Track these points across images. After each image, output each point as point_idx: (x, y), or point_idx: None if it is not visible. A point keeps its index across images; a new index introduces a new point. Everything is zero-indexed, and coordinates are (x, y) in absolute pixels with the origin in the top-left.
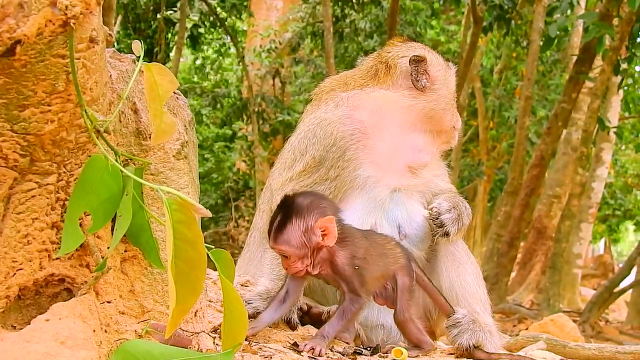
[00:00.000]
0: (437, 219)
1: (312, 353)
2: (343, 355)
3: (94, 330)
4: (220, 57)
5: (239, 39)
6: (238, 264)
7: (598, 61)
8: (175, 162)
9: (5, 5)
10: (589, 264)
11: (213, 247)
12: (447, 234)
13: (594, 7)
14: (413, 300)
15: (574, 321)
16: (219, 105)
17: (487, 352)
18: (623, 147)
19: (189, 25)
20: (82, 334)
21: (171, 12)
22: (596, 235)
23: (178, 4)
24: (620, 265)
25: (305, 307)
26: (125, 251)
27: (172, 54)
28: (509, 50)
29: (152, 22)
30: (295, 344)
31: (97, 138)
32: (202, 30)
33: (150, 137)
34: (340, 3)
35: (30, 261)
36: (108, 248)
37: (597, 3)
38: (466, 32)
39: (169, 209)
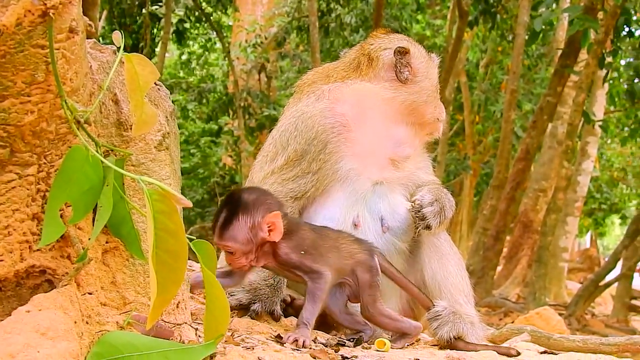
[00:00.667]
0: (419, 211)
1: (296, 344)
2: (326, 346)
3: (75, 322)
4: (206, 52)
5: (225, 34)
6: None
7: (583, 55)
8: (156, 153)
9: None
10: (575, 257)
11: (195, 238)
12: (428, 227)
13: (579, 1)
14: (378, 294)
15: (560, 314)
16: (204, 100)
17: (469, 343)
18: (609, 141)
19: (174, 20)
20: (63, 325)
21: (156, 7)
22: (582, 229)
23: None
24: (606, 258)
25: (289, 299)
26: (107, 242)
27: (157, 49)
28: (494, 45)
29: (137, 17)
30: (279, 337)
31: (78, 129)
32: (187, 25)
33: (131, 128)
34: None
35: (11, 252)
36: (89, 239)
37: None
38: (452, 26)
39: (150, 200)
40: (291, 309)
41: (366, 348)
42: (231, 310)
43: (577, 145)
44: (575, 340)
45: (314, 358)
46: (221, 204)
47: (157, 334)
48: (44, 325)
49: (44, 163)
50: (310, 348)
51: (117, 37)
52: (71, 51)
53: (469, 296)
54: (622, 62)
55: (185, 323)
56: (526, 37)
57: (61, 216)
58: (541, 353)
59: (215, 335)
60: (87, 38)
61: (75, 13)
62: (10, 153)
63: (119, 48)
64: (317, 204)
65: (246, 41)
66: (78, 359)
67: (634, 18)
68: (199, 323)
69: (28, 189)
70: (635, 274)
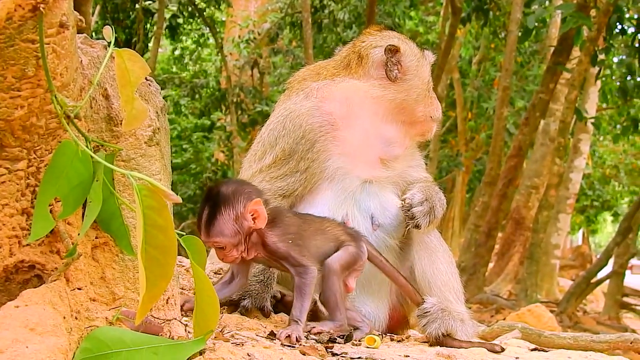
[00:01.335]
0: (409, 210)
1: (289, 340)
2: (318, 342)
3: (64, 317)
4: (199, 48)
5: (218, 30)
6: (209, 255)
7: (576, 52)
8: (146, 149)
9: None
10: (567, 254)
11: (184, 233)
12: (418, 227)
13: None
14: (354, 273)
15: (552, 312)
16: (197, 96)
17: (459, 340)
18: (601, 138)
19: (167, 15)
20: (52, 320)
21: (149, 2)
22: (574, 226)
23: None
24: (598, 256)
25: (279, 295)
26: (96, 238)
27: (150, 44)
28: (487, 42)
29: (130, 13)
30: (272, 333)
31: (68, 124)
32: (180, 20)
33: (121, 124)
34: None
35: (0, 247)
36: (78, 234)
37: None
38: (444, 23)
39: (140, 195)
40: (281, 305)
41: (356, 345)
42: (221, 306)
43: (569, 142)
44: (566, 337)
45: (304, 354)
46: (202, 201)
47: (147, 330)
48: (32, 321)
49: (34, 158)
50: (300, 344)
51: (108, 32)
52: (61, 46)
53: (458, 293)
54: (615, 60)
55: (175, 319)
56: (519, 34)
57: (51, 211)
58: (532, 350)
59: (205, 331)
60: (78, 33)
61: (65, 7)
62: None
63: (109, 43)
64: (306, 203)
65: (239, 37)
66: (67, 354)
67: (627, 16)
68: (188, 318)
69: (17, 184)
70: (627, 272)
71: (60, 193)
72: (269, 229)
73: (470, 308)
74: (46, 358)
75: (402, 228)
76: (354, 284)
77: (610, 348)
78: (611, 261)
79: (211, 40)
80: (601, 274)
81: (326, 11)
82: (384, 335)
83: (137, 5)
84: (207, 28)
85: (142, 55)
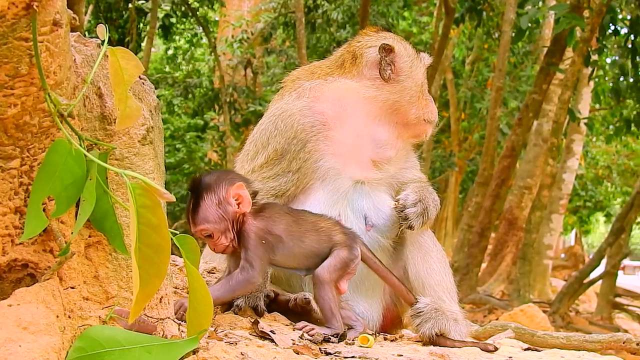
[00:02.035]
0: (403, 211)
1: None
2: (312, 342)
3: (57, 316)
4: (192, 47)
5: (211, 29)
6: (203, 254)
7: (569, 53)
8: (140, 148)
9: None
10: (559, 255)
11: (178, 232)
12: (411, 227)
13: None
14: (346, 277)
15: (544, 312)
16: (190, 96)
17: (452, 340)
18: (594, 139)
19: (160, 15)
20: (45, 319)
21: (143, 1)
22: (567, 226)
23: None
24: (591, 256)
25: (273, 295)
26: (90, 236)
27: (143, 44)
28: (480, 42)
29: (123, 12)
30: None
31: (61, 122)
32: (173, 20)
33: (115, 122)
34: None
35: None
36: (72, 233)
37: None
38: (438, 23)
39: (133, 194)
40: (274, 304)
41: (350, 344)
42: (215, 306)
43: (562, 142)
44: (559, 337)
45: (298, 354)
46: (187, 193)
47: (140, 329)
48: (25, 320)
49: (27, 156)
50: (294, 343)
51: (102, 30)
52: (55, 44)
53: (452, 293)
54: (608, 60)
55: (168, 318)
56: (512, 35)
57: (44, 210)
58: (525, 350)
59: (199, 330)
60: (71, 31)
61: (59, 6)
62: None
63: (103, 41)
64: (299, 203)
65: (232, 36)
66: (60, 353)
67: (620, 16)
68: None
69: (11, 182)
70: (620, 272)
71: (54, 191)
72: (253, 218)
73: (463, 308)
74: (39, 357)
75: (396, 228)
76: (346, 286)
77: (603, 348)
78: (604, 261)
79: (204, 40)
80: (594, 274)
81: (320, 11)
82: (377, 335)
83: (130, 5)
84: (200, 28)
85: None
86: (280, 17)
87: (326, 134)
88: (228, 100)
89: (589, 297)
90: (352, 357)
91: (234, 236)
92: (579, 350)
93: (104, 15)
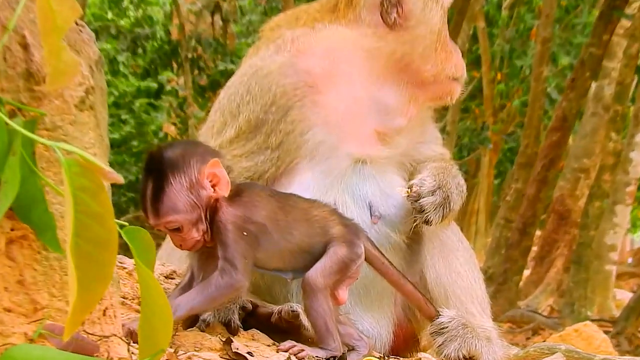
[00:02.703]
0: (417, 201)
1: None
2: None
3: None
4: None
5: None
6: (159, 254)
7: None
8: (77, 114)
9: None
10: (626, 258)
11: (127, 224)
12: (428, 222)
13: None
14: (346, 282)
15: (606, 332)
16: (140, 50)
17: None
18: None
19: None
20: None
21: None
22: (636, 221)
23: None
24: None
25: (250, 307)
26: (12, 230)
27: None
28: None
29: None
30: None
31: None
32: None
33: (44, 81)
34: None
35: None
36: None
37: None
38: None
39: (69, 174)
40: (252, 319)
41: None
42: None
43: (629, 110)
44: None
45: None
46: (143, 174)
47: (78, 349)
48: None
49: None
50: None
51: None
52: None
53: (483, 304)
54: None
55: (115, 335)
56: None
57: None
58: None
59: (154, 351)
60: None
61: None
62: None
63: None
64: (281, 187)
65: None
66: None
67: None
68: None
69: None
70: None
71: None
72: (228, 203)
73: (499, 327)
74: None
75: (410, 221)
76: (345, 294)
77: None
78: None
79: None
80: None
81: None
82: (386, 358)
83: None
84: None
85: None
86: None
87: (314, 99)
88: (190, 56)
89: None
90: None
91: (206, 228)
92: None
93: None
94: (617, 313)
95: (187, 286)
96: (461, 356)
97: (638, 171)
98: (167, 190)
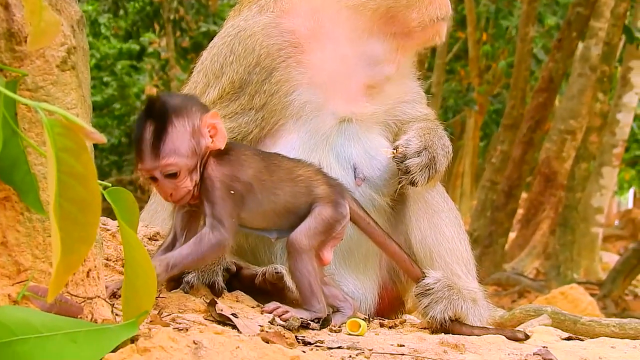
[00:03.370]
0: (403, 162)
1: None
2: (287, 328)
3: None
4: None
5: None
6: (142, 216)
7: None
8: (59, 74)
9: None
10: (612, 221)
11: (110, 185)
12: (413, 183)
13: None
14: (330, 243)
15: (592, 295)
16: (122, 12)
17: (470, 326)
18: None
19: None
20: None
21: None
22: (623, 183)
23: None
24: None
25: (234, 268)
26: None
27: None
28: None
29: None
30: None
31: None
32: None
33: (25, 41)
34: None
35: None
36: None
37: None
38: None
39: (51, 134)
40: (236, 281)
41: (335, 331)
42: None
43: (616, 71)
44: (609, 324)
45: (267, 343)
46: (139, 120)
47: (62, 311)
48: None
49: None
50: (263, 330)
51: None
52: None
53: (469, 265)
54: None
55: (99, 297)
56: None
57: None
58: (564, 339)
59: (138, 312)
60: None
61: None
62: None
63: None
64: (264, 149)
65: None
66: None
67: None
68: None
69: None
70: None
71: None
72: (216, 161)
73: (485, 290)
74: None
75: (395, 183)
76: (330, 255)
77: None
78: None
79: None
80: None
81: None
82: (371, 320)
83: None
84: None
85: None
86: None
87: (299, 59)
88: (172, 17)
89: None
90: (339, 347)
91: (198, 179)
92: (636, 340)
93: None
94: (603, 276)
95: (170, 247)
96: (447, 318)
97: (625, 133)
98: (171, 132)
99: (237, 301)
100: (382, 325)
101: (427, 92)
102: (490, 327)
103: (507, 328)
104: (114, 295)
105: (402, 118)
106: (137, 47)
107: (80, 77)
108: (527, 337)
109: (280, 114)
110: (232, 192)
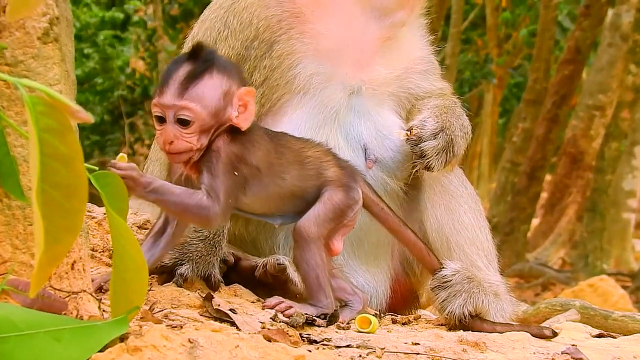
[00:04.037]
0: (418, 145)
1: None
2: (290, 325)
3: None
4: None
5: None
6: (131, 202)
7: None
8: (41, 47)
9: None
10: None
11: (96, 168)
12: (429, 168)
13: None
14: (341, 231)
15: (624, 287)
16: None
17: (492, 323)
18: None
19: None
20: None
21: None
22: None
23: None
24: None
25: (232, 259)
26: None
27: None
28: None
29: None
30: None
31: None
32: None
33: (4, 11)
34: None
35: None
36: None
37: None
38: None
39: (33, 113)
40: (235, 273)
41: (344, 328)
42: (150, 275)
43: None
44: None
45: (269, 341)
46: (178, 58)
47: (44, 307)
48: None
49: None
50: (264, 327)
51: None
52: None
53: (490, 256)
54: None
55: (84, 291)
56: None
57: None
58: (595, 336)
59: (127, 308)
60: None
61: None
62: None
63: None
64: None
65: None
66: None
67: None
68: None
69: None
70: None
71: None
72: (229, 139)
73: (507, 284)
74: None
75: (409, 167)
76: (340, 244)
77: None
78: None
79: None
80: None
81: None
82: (382, 316)
83: None
84: None
85: None
86: None
87: (302, 29)
88: None
89: None
90: (347, 346)
91: (204, 147)
92: None
93: None
94: (636, 266)
95: (160, 232)
96: (466, 313)
97: None
98: (206, 81)
99: (235, 295)
100: (394, 322)
101: (441, 63)
102: (514, 323)
103: (532, 324)
104: (100, 289)
105: (415, 92)
106: (121, 16)
107: (63, 50)
108: (554, 334)
109: (284, 89)
110: (236, 172)
